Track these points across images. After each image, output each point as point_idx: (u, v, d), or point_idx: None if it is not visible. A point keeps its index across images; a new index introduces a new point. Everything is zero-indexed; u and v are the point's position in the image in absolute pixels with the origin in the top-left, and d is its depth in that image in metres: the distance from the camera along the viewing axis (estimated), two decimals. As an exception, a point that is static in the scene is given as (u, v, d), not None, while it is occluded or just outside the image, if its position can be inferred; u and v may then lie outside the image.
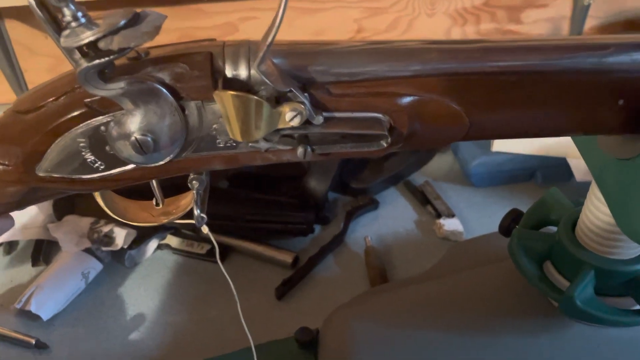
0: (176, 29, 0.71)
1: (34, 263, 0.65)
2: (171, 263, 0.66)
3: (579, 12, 0.76)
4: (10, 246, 0.67)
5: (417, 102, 0.28)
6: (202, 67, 0.26)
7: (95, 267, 0.62)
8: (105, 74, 0.25)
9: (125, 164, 0.28)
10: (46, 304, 0.58)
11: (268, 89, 0.26)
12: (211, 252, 0.65)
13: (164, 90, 0.26)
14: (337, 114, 0.28)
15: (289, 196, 0.69)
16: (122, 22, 0.23)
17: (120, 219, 0.33)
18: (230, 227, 0.66)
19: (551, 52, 0.29)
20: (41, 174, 0.28)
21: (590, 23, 0.79)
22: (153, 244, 0.66)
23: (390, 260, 0.64)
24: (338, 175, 0.72)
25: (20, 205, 0.30)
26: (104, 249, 0.62)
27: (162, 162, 0.28)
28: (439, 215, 0.68)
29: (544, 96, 0.29)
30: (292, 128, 0.27)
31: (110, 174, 0.28)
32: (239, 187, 0.72)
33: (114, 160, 0.28)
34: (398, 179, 0.75)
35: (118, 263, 0.65)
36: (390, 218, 0.70)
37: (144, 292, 0.62)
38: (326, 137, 0.28)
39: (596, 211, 0.37)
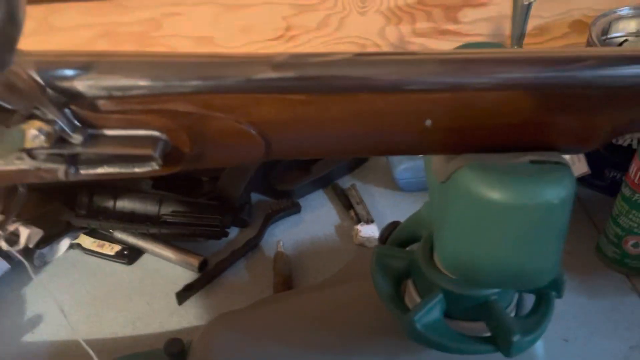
0: (98, 24, 0.70)
1: (-58, 261, 0.64)
2: (81, 263, 0.65)
3: (520, 12, 0.72)
4: None
5: (198, 120, 0.27)
6: None
7: (1, 266, 0.62)
8: None
9: None
10: (-57, 303, 0.57)
11: (16, 104, 0.24)
12: (120, 254, 0.64)
13: None
14: (105, 132, 0.26)
15: (208, 197, 0.67)
16: None
17: None
18: (144, 229, 0.65)
19: (348, 67, 0.27)
20: None
21: (533, 23, 0.76)
22: (65, 243, 0.65)
23: (302, 266, 0.63)
24: (261, 176, 0.70)
25: None
26: (8, 248, 0.61)
27: None
28: (359, 221, 0.66)
29: (341, 115, 0.27)
30: (50, 147, 0.25)
31: None
32: (163, 188, 0.71)
33: None
34: (327, 182, 0.73)
35: (28, 262, 0.64)
36: (312, 222, 0.69)
37: (49, 293, 0.62)
38: (93, 158, 0.27)
39: (442, 232, 0.35)
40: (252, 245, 0.65)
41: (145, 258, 0.65)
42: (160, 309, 0.59)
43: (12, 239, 0.62)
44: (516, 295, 0.39)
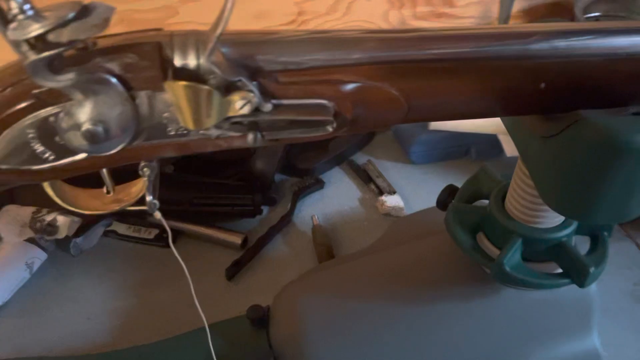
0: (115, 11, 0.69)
1: (-27, 255, 0.63)
2: (118, 249, 0.65)
3: (507, -3, 0.80)
4: (-54, 239, 0.65)
5: (359, 88, 0.30)
6: (151, 57, 0.27)
7: (39, 256, 0.61)
8: (55, 66, 0.25)
9: (76, 153, 0.28)
10: (-11, 295, 0.57)
11: (217, 78, 0.27)
12: (159, 237, 0.65)
13: (115, 80, 0.26)
14: (284, 101, 0.29)
15: (236, 179, 0.70)
16: (71, 15, 0.24)
17: (71, 209, 0.33)
18: (178, 212, 0.66)
19: (481, 40, 0.31)
20: (-10, 166, 0.28)
21: (517, 5, 0.83)
22: (99, 231, 0.66)
23: (336, 237, 0.67)
24: (284, 156, 0.73)
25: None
26: (47, 238, 0.61)
27: (113, 151, 0.28)
28: (380, 193, 0.71)
29: (474, 81, 0.32)
30: (242, 116, 0.28)
31: (60, 164, 0.28)
32: (185, 171, 0.72)
33: (64, 151, 0.28)
34: (342, 159, 0.77)
35: (63, 251, 0.64)
36: (335, 197, 0.73)
37: (91, 280, 0.62)
38: (275, 124, 0.30)
39: (522, 185, 0.40)
40: (287, 221, 0.68)
41: (182, 239, 0.67)
42: (210, 286, 0.62)
43: (49, 229, 0.62)
44: (574, 239, 0.45)
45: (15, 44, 0.24)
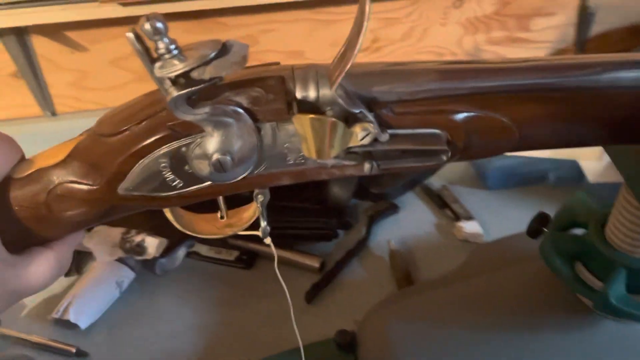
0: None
1: (67, 273, 0.66)
2: (200, 270, 0.67)
3: (585, 20, 0.79)
4: (41, 257, 0.68)
5: (472, 118, 0.30)
6: (276, 90, 0.28)
7: (128, 275, 0.64)
8: (192, 100, 0.27)
9: (202, 181, 0.30)
10: (83, 313, 0.59)
11: (335, 110, 0.28)
12: (239, 259, 0.67)
13: (244, 113, 0.28)
14: (400, 131, 0.30)
15: (313, 203, 0.71)
16: (213, 54, 0.25)
17: (189, 233, 0.35)
18: (256, 235, 0.68)
19: (591, 68, 0.31)
20: (122, 193, 0.30)
21: (596, 30, 0.81)
22: (182, 252, 0.68)
23: (414, 262, 0.66)
24: (358, 181, 0.74)
25: (98, 220, 0.32)
26: (136, 258, 0.64)
27: (236, 180, 0.30)
28: (457, 218, 0.71)
29: (584, 110, 0.31)
30: (360, 146, 0.29)
31: (187, 191, 0.30)
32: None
33: (192, 179, 0.30)
34: (415, 184, 0.77)
35: (149, 271, 0.66)
36: (410, 222, 0.73)
37: (177, 299, 0.64)
38: (389, 153, 0.30)
39: (627, 213, 0.39)
40: (363, 245, 0.68)
41: (261, 262, 0.68)
42: (290, 308, 0.62)
43: (138, 249, 0.65)
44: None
45: (160, 81, 0.25)
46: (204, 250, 0.68)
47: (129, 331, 0.61)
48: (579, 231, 0.46)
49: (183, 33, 0.71)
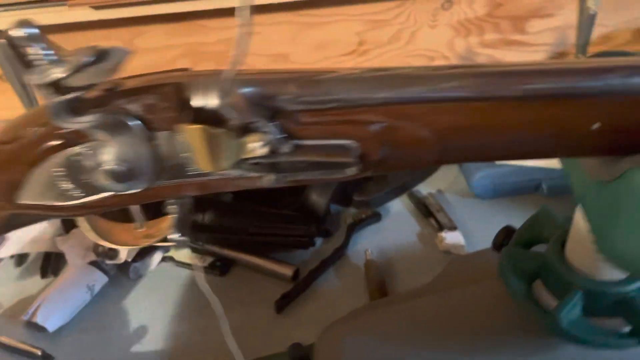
0: (181, 44, 0.72)
1: (43, 275, 0.67)
2: (174, 275, 0.67)
3: (586, 21, 0.74)
4: (21, 258, 0.69)
5: (387, 128, 0.29)
6: (171, 98, 0.27)
7: (100, 279, 0.64)
8: (76, 108, 0.26)
9: (103, 191, 0.29)
10: (52, 316, 0.59)
11: (236, 120, 0.27)
12: (213, 265, 0.66)
13: (134, 122, 0.27)
14: (306, 142, 0.28)
15: (292, 209, 0.69)
16: (87, 60, 0.24)
17: (104, 243, 0.34)
18: (234, 240, 0.67)
19: (525, 77, 0.29)
20: (20, 202, 0.29)
21: (598, 32, 0.77)
22: (157, 257, 0.68)
23: (391, 273, 0.64)
24: (341, 187, 0.72)
25: (2, 230, 0.31)
26: (108, 262, 0.63)
27: (136, 190, 0.29)
28: (441, 228, 0.68)
29: (516, 121, 0.29)
30: (262, 157, 0.27)
31: (87, 201, 0.29)
32: (243, 200, 0.73)
33: (92, 188, 0.29)
34: (402, 191, 0.75)
35: (123, 275, 0.66)
36: (393, 231, 0.70)
37: (147, 304, 0.64)
38: (295, 165, 0.29)
39: (583, 232, 0.37)
40: (340, 254, 0.66)
41: (236, 269, 0.67)
42: (259, 318, 0.61)
43: (110, 253, 0.64)
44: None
45: (39, 88, 0.24)
46: (179, 255, 0.67)
47: (97, 335, 0.60)
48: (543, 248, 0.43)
49: (164, 36, 0.71)
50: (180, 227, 0.32)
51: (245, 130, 0.27)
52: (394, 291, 0.62)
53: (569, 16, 0.75)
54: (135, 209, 0.33)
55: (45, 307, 0.60)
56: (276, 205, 0.70)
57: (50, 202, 0.29)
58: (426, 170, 0.77)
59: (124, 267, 0.65)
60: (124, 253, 0.63)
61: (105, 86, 0.28)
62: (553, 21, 0.76)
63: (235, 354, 0.44)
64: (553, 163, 0.69)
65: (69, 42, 0.69)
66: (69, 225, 0.68)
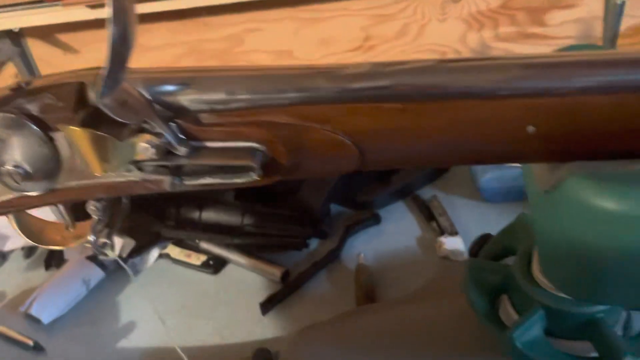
0: (183, 42, 0.73)
1: (47, 268, 0.69)
2: (169, 272, 0.67)
3: (612, 12, 0.69)
4: (30, 251, 0.72)
5: (295, 131, 0.27)
6: (67, 97, 0.26)
7: (96, 274, 0.65)
8: (-28, 108, 0.26)
9: (9, 192, 0.28)
10: (47, 308, 0.61)
11: (127, 119, 0.26)
12: (206, 263, 0.66)
13: (29, 122, 0.26)
14: (207, 144, 0.27)
15: (289, 209, 0.68)
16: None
17: (33, 243, 0.34)
18: (229, 239, 0.66)
19: (444, 75, 0.26)
20: (-64, 201, 0.29)
21: (627, 22, 0.71)
22: (155, 253, 0.68)
23: (384, 278, 0.61)
24: (341, 188, 0.70)
25: None
26: (101, 257, 0.65)
27: (41, 192, 0.28)
28: (442, 233, 0.65)
29: (435, 124, 0.26)
30: (157, 159, 0.26)
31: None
32: (245, 199, 0.72)
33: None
34: (407, 193, 0.72)
35: (121, 271, 0.67)
36: (392, 234, 0.68)
37: (140, 300, 0.64)
38: (198, 168, 0.27)
39: (543, 244, 0.33)
40: (333, 257, 0.64)
41: (229, 268, 0.66)
42: (245, 318, 0.60)
43: (106, 249, 0.65)
44: (624, 314, 0.36)
45: None
46: (175, 253, 0.68)
47: (88, 329, 0.61)
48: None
49: (166, 33, 0.71)
50: (101, 229, 0.32)
51: (139, 130, 0.26)
52: (385, 297, 0.59)
53: (593, 6, 0.70)
54: (60, 209, 0.33)
55: (42, 299, 0.61)
56: (278, 205, 0.69)
57: (-38, 202, 0.29)
58: (433, 172, 0.73)
59: (123, 262, 0.66)
60: (117, 248, 0.64)
61: (14, 85, 0.28)
62: (576, 12, 0.71)
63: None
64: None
65: (70, 42, 0.70)
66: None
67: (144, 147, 0.25)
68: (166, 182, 0.27)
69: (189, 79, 0.27)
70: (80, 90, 0.26)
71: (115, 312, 0.63)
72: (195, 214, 0.67)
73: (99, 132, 0.24)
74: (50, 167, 0.27)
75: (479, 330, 0.39)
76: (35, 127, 0.26)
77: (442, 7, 0.70)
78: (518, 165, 0.66)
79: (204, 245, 0.67)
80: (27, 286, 0.68)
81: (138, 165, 0.27)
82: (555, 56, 0.26)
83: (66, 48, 0.72)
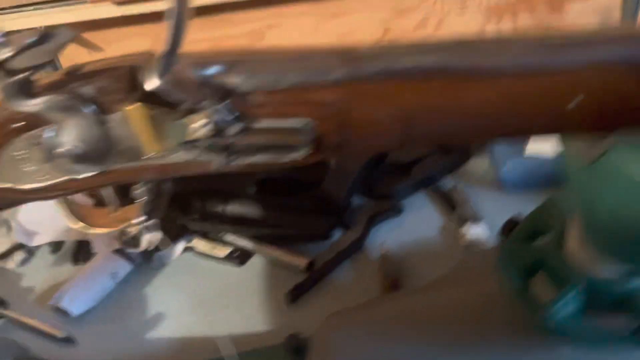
0: (205, 39, 0.74)
1: (74, 262, 0.70)
2: (196, 265, 0.68)
3: (631, 1, 0.69)
4: (57, 246, 0.73)
5: (343, 109, 0.27)
6: (122, 80, 0.27)
7: (124, 267, 0.66)
8: (29, 90, 0.26)
9: (61, 174, 0.29)
10: (76, 301, 0.62)
11: (182, 99, 0.26)
12: (231, 256, 0.66)
13: (86, 104, 0.27)
14: (258, 123, 0.27)
15: (311, 200, 0.69)
16: (29, 42, 0.25)
17: (79, 226, 0.35)
18: (253, 231, 0.67)
19: (492, 50, 0.27)
20: (-11, 185, 0.30)
21: (645, 10, 0.71)
22: (180, 246, 0.69)
23: (408, 268, 0.62)
24: (363, 179, 0.71)
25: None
26: (131, 250, 0.66)
27: (94, 173, 0.29)
28: (464, 222, 0.65)
29: (478, 100, 0.27)
30: (210, 138, 0.27)
31: (50, 184, 0.30)
32: (267, 192, 0.73)
33: (52, 171, 0.29)
34: (428, 183, 0.72)
35: (147, 264, 0.68)
36: (414, 224, 0.68)
37: (168, 293, 0.65)
38: (248, 147, 0.28)
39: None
40: (357, 247, 0.65)
41: (254, 260, 0.67)
42: (271, 309, 0.61)
43: (133, 242, 0.66)
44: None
45: (-10, 70, 0.25)
46: (200, 246, 0.69)
47: (117, 321, 0.62)
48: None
49: (190, 30, 0.72)
50: (149, 211, 0.33)
51: (192, 111, 0.27)
52: (408, 286, 0.60)
53: (611, -5, 0.70)
54: (108, 192, 0.34)
55: (71, 292, 0.62)
56: (299, 197, 0.70)
57: (15, 185, 0.30)
58: (454, 163, 0.74)
59: (149, 255, 0.67)
60: (146, 242, 0.65)
61: (67, 69, 0.28)
62: (594, 2, 0.71)
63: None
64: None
65: (95, 40, 0.71)
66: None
67: (198, 126, 0.26)
68: (215, 162, 0.28)
69: (236, 60, 0.28)
70: (133, 73, 0.27)
71: (144, 304, 0.64)
72: (220, 207, 0.68)
73: (157, 111, 0.25)
74: (102, 149, 0.28)
75: (510, 312, 0.40)
76: (90, 110, 0.27)
77: (462, 0, 0.70)
78: (540, 154, 0.66)
79: (229, 237, 0.68)
80: (55, 281, 0.69)
81: (189, 145, 0.27)
82: (601, 30, 0.26)
83: (91, 46, 0.73)
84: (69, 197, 0.34)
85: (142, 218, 0.32)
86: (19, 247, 0.72)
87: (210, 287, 0.65)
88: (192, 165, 0.29)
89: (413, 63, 0.27)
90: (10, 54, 0.24)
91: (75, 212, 0.35)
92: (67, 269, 0.70)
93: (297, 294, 0.60)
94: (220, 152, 0.28)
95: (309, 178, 0.73)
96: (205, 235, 0.70)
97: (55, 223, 0.72)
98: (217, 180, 0.75)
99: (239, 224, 0.67)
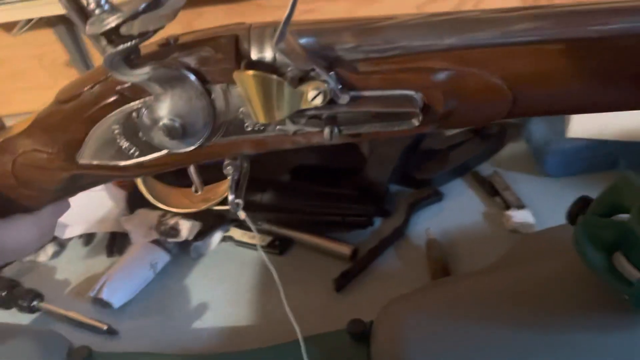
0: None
1: (109, 254, 0.69)
2: (234, 255, 0.67)
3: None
4: (89, 238, 0.71)
5: (453, 77, 0.27)
6: (226, 49, 0.26)
7: (162, 258, 0.65)
8: (132, 60, 0.25)
9: (158, 150, 0.28)
10: (117, 292, 0.61)
11: (294, 70, 0.26)
12: (271, 244, 0.65)
13: (189, 74, 0.26)
14: (365, 93, 0.27)
15: (350, 188, 0.68)
16: (142, 7, 0.24)
17: (161, 206, 0.34)
18: (292, 220, 0.66)
19: (604, 16, 0.26)
20: (81, 162, 0.29)
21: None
22: (218, 236, 0.68)
23: (455, 253, 0.61)
24: (400, 166, 0.70)
25: (68, 192, 0.31)
26: (169, 240, 0.64)
27: (192, 148, 0.28)
28: (507, 207, 0.65)
29: (596, 65, 0.26)
30: (318, 108, 0.26)
31: (145, 160, 0.29)
32: (301, 180, 0.72)
33: (147, 147, 0.28)
34: (465, 170, 0.72)
35: (185, 254, 0.67)
36: (455, 210, 0.67)
37: (208, 283, 0.64)
38: (355, 117, 0.27)
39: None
40: (399, 234, 0.64)
41: (295, 248, 0.66)
42: (317, 296, 0.60)
43: (172, 232, 0.65)
44: None
45: (95, 39, 0.24)
46: (238, 234, 0.68)
47: (159, 312, 0.61)
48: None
49: (222, 17, 0.71)
50: (236, 189, 0.32)
51: (302, 80, 0.26)
52: (457, 271, 0.59)
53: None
54: (192, 171, 0.33)
55: (111, 284, 0.61)
56: (335, 185, 0.69)
57: (109, 161, 0.29)
58: (491, 148, 0.73)
59: (186, 246, 0.66)
60: (186, 232, 0.64)
61: (162, 41, 0.27)
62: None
63: (297, 330, 0.42)
64: (631, 136, 0.64)
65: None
66: (133, 206, 0.70)
67: (313, 94, 0.25)
68: (325, 133, 0.27)
69: (344, 28, 0.27)
70: (235, 43, 0.26)
71: (185, 294, 0.63)
72: (257, 196, 0.67)
73: (277, 77, 0.24)
74: (204, 121, 0.27)
75: (590, 287, 0.39)
76: (194, 80, 0.26)
77: (498, -18, 0.70)
78: (582, 137, 0.66)
79: (266, 226, 0.67)
80: (90, 273, 0.67)
81: (297, 116, 0.26)
82: None
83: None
84: (151, 178, 0.33)
85: (231, 197, 0.31)
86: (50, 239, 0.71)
87: (252, 276, 0.64)
88: (292, 139, 0.28)
89: (527, 29, 0.26)
90: (114, 23, 0.23)
91: (155, 192, 0.34)
92: (101, 260, 0.69)
93: (344, 282, 0.60)
94: (328, 123, 0.27)
95: (342, 165, 0.72)
96: (242, 225, 0.69)
97: (88, 214, 0.70)
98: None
99: (277, 212, 0.66)
